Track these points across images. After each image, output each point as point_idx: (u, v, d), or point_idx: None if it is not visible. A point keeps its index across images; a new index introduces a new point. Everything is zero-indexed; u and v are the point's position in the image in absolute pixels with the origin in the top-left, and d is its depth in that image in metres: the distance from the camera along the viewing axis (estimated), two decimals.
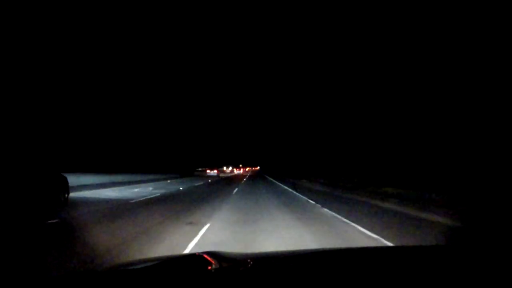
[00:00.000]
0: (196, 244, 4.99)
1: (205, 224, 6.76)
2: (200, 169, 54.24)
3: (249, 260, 1.44)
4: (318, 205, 10.94)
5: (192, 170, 48.82)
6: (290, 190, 19.21)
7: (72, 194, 10.65)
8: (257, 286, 1.02)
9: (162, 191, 16.27)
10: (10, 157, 8.05)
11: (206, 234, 5.77)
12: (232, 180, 33.93)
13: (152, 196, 13.25)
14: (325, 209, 9.80)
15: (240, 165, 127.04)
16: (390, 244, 5.26)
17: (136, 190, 16.41)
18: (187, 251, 4.59)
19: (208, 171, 54.72)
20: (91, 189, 15.29)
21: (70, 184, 9.82)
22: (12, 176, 7.38)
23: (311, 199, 13.04)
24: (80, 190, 13.76)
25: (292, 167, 55.25)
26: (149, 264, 1.43)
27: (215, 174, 51.70)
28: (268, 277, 1.12)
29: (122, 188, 17.51)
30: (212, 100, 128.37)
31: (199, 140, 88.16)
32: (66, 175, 9.71)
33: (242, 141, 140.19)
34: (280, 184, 26.15)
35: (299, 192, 17.17)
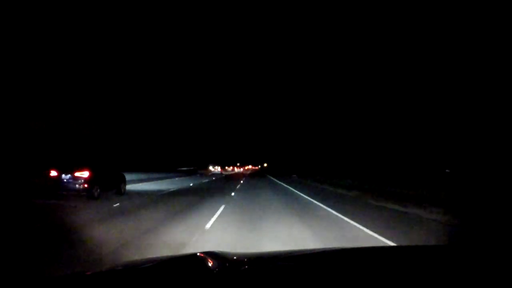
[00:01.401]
0: (219, 215, 8.96)
1: (222, 203, 10.82)
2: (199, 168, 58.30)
3: (249, 260, 1.47)
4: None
5: (196, 169, 52.66)
6: (274, 179, 29.63)
7: None
8: (258, 286, 1.05)
9: (180, 185, 20.35)
10: (101, 160, 12.14)
11: (226, 206, 9.82)
12: (234, 178, 38.13)
13: (173, 189, 17.33)
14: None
15: (238, 164, 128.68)
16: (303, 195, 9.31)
17: (157, 185, 20.44)
18: (215, 217, 8.46)
19: (212, 169, 59.92)
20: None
21: None
22: (103, 173, 11.53)
23: (290, 186, 17.62)
24: None
25: (288, 166, 59.14)
26: (149, 264, 1.48)
27: (219, 172, 57.47)
28: (269, 277, 1.15)
29: (145, 184, 21.54)
30: (212, 100, 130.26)
31: (201, 140, 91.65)
32: None
33: (240, 141, 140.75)
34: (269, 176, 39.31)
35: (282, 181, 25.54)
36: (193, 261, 1.42)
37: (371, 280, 1.08)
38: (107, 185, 11.87)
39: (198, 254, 1.45)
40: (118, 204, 10.25)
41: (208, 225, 6.86)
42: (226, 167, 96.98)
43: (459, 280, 1.05)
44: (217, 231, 6.34)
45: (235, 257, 1.48)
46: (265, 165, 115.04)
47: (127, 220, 7.51)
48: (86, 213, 8.35)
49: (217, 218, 7.85)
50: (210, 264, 1.33)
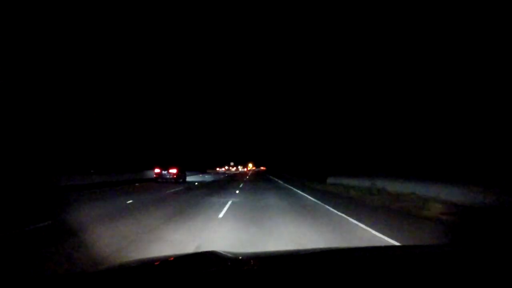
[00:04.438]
0: (239, 193, 20.30)
1: (241, 184, 22.20)
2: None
3: (251, 260, 1.49)
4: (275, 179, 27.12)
5: (203, 168, 63.93)
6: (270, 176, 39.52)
7: None
8: (259, 286, 1.06)
9: (210, 179, 31.82)
10: (180, 162, 23.82)
11: (243, 184, 21.21)
12: (238, 175, 49.76)
13: (208, 180, 28.73)
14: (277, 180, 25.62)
15: (232, 163, 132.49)
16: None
17: (194, 178, 31.71)
18: (240, 187, 19.75)
19: (217, 169, 72.25)
20: None
21: None
22: (180, 169, 23.10)
23: (278, 179, 28.87)
24: None
25: (289, 166, 64.28)
26: (151, 264, 1.52)
27: (222, 172, 69.78)
28: (270, 277, 1.16)
29: None
30: (215, 101, 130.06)
31: (205, 141, 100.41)
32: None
33: (241, 140, 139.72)
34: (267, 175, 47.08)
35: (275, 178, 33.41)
36: (195, 260, 1.46)
37: (373, 279, 1.10)
38: (181, 177, 23.37)
39: (199, 253, 1.50)
40: (188, 185, 21.64)
41: (238, 190, 18.31)
42: (230, 167, 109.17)
43: (462, 280, 1.06)
44: (244, 187, 17.69)
45: (236, 257, 1.49)
46: (263, 165, 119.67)
47: (199, 190, 18.82)
48: (182, 187, 19.75)
49: (241, 187, 19.34)
50: (211, 264, 1.35)
